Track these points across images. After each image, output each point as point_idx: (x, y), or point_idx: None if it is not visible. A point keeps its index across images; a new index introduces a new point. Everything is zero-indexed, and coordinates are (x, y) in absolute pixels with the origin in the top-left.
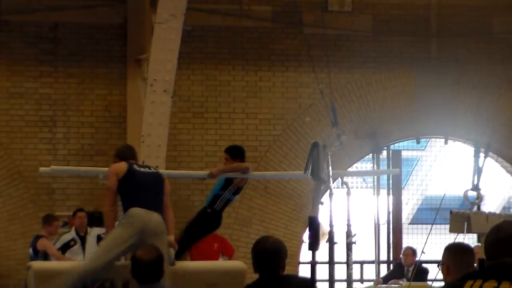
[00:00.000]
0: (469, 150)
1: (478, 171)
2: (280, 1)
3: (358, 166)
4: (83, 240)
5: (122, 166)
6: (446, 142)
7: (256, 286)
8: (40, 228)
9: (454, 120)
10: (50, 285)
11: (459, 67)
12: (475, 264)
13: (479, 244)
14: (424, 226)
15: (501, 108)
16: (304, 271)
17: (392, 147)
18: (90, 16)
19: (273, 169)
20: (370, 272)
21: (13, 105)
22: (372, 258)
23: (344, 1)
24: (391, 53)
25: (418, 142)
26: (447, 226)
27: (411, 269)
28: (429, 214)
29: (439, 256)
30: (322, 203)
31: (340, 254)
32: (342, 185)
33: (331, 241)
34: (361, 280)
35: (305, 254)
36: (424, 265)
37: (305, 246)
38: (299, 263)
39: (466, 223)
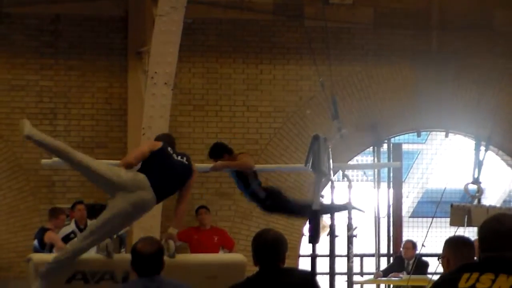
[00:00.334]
0: (470, 143)
1: (478, 164)
2: None
3: (359, 159)
4: None
5: (158, 144)
6: (446, 136)
7: (256, 279)
8: (41, 221)
9: (455, 113)
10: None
11: (460, 61)
12: (475, 257)
13: None
14: (425, 219)
15: (502, 101)
16: (304, 264)
17: (392, 140)
18: (91, 8)
19: (273, 162)
20: (370, 265)
21: (14, 98)
22: (372, 251)
23: None
24: (392, 46)
25: (418, 135)
26: (448, 220)
27: (411, 262)
28: (430, 207)
29: (439, 250)
30: (323, 196)
31: (340, 247)
32: (342, 178)
33: (331, 234)
34: (361, 273)
35: (305, 247)
36: (424, 258)
37: (305, 239)
38: (300, 256)
39: (466, 216)
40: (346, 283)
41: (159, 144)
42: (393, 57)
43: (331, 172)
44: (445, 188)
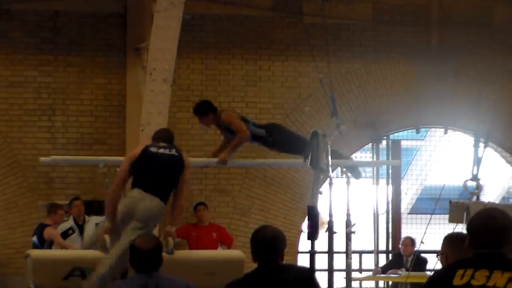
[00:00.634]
0: (469, 140)
1: (477, 161)
2: None
3: (358, 155)
4: (81, 229)
5: (137, 151)
6: (446, 132)
7: (255, 276)
8: (39, 217)
9: (454, 110)
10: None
11: (460, 57)
12: None
13: None
14: (424, 216)
15: (501, 98)
16: (303, 261)
17: (391, 136)
18: (90, 5)
19: (272, 158)
20: (369, 262)
21: (12, 94)
22: (371, 248)
23: None
24: (391, 42)
25: (417, 132)
26: (447, 216)
27: (410, 259)
28: (429, 204)
29: (438, 246)
30: (321, 193)
31: (339, 243)
32: (341, 175)
33: (330, 231)
34: (360, 270)
35: (304, 243)
36: (423, 255)
37: (304, 235)
38: (298, 252)
39: (465, 213)
40: (345, 279)
41: (139, 150)
42: (392, 54)
43: (330, 169)
44: (444, 184)
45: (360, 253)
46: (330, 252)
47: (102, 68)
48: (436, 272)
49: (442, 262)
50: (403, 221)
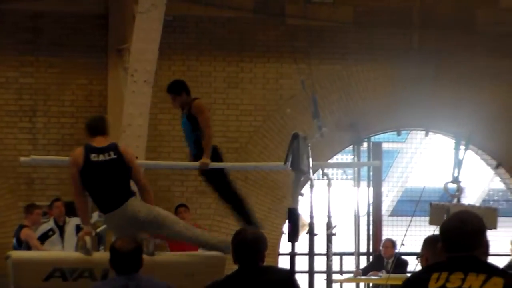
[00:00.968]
0: (450, 142)
1: (458, 163)
2: None
3: (339, 157)
4: (61, 230)
5: (79, 158)
6: (426, 135)
7: (236, 277)
8: (19, 218)
9: (435, 113)
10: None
11: (441, 60)
12: None
13: None
14: (404, 218)
15: (482, 101)
16: (283, 263)
17: (372, 139)
18: (72, 5)
19: (253, 160)
20: (349, 263)
21: None
22: (352, 249)
23: None
24: (372, 44)
25: (398, 134)
26: (427, 218)
27: (390, 261)
28: (409, 206)
29: (418, 248)
30: (302, 195)
31: (320, 245)
32: (322, 177)
33: (311, 233)
34: (341, 272)
35: (285, 245)
36: (403, 257)
37: (285, 237)
38: (279, 254)
39: (446, 215)
40: (326, 281)
41: (80, 160)
42: (374, 56)
43: (311, 171)
44: (424, 187)
45: (341, 255)
46: (311, 254)
47: (83, 69)
48: (412, 275)
49: (422, 264)
50: (384, 223)
